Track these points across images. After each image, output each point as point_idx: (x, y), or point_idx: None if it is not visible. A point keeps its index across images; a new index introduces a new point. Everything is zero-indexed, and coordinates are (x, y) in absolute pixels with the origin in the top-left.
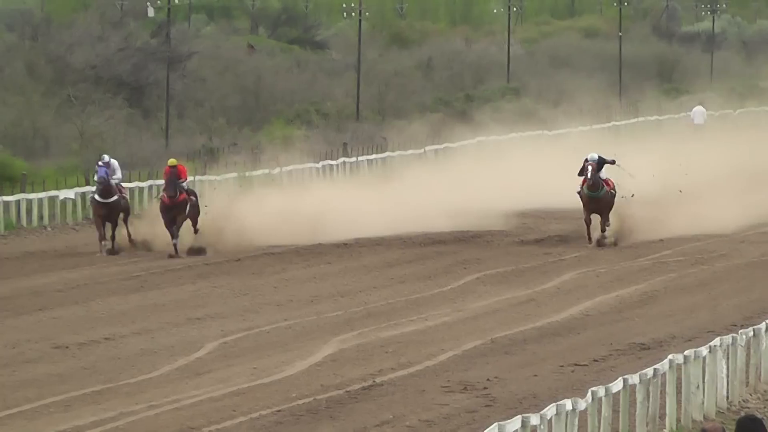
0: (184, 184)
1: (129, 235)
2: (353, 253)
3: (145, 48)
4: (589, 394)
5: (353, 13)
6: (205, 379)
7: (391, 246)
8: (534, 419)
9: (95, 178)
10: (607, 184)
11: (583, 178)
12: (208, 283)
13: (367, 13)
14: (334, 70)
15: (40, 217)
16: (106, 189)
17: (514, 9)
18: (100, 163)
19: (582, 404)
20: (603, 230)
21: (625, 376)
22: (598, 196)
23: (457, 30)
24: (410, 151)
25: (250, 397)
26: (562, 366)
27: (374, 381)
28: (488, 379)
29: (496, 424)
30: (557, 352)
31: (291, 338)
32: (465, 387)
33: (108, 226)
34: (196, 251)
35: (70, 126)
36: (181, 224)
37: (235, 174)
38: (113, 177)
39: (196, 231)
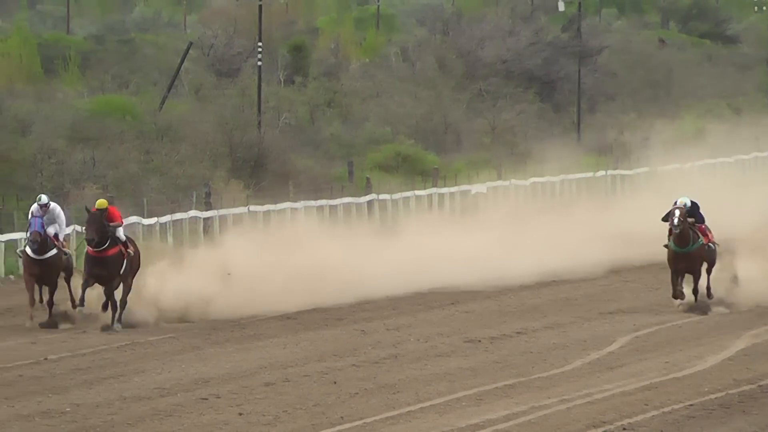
0: (119, 231)
1: (72, 299)
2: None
3: (556, 42)
4: None
5: (764, 7)
6: (617, 373)
7: None
8: None
9: (28, 231)
10: (705, 235)
11: (669, 227)
12: (620, 277)
13: None
14: (745, 64)
15: (452, 210)
16: (41, 245)
17: None
18: (35, 207)
19: None
20: (695, 293)
21: None
22: (686, 252)
23: None
24: None
25: (662, 392)
26: None
27: None
28: None
29: None
30: None
31: (703, 332)
32: None
33: (44, 289)
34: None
35: (481, 120)
36: (117, 286)
37: (647, 168)
38: (52, 226)
39: (124, 296)
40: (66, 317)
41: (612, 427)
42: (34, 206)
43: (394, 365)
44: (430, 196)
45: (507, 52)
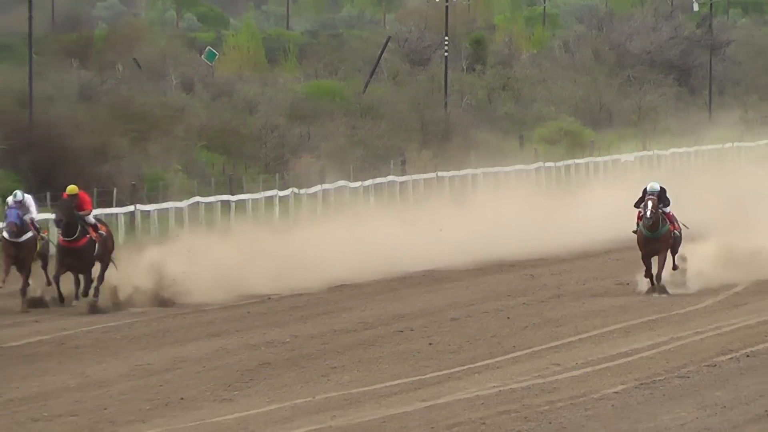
0: (89, 217)
1: (48, 281)
2: None
3: (691, 37)
4: None
5: None
6: (742, 310)
7: None
8: None
9: (5, 221)
10: (671, 222)
11: (638, 212)
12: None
13: None
14: None
15: (605, 175)
16: (18, 231)
17: None
18: (10, 201)
19: None
20: (659, 276)
21: None
22: (656, 236)
23: None
24: None
25: None
26: None
27: None
28: None
29: None
30: None
31: None
32: None
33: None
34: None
35: (630, 101)
36: (89, 275)
37: (766, 141)
38: (27, 215)
39: (102, 275)
40: (41, 302)
41: (738, 354)
42: (10, 199)
43: (557, 303)
44: (586, 163)
45: (651, 44)
